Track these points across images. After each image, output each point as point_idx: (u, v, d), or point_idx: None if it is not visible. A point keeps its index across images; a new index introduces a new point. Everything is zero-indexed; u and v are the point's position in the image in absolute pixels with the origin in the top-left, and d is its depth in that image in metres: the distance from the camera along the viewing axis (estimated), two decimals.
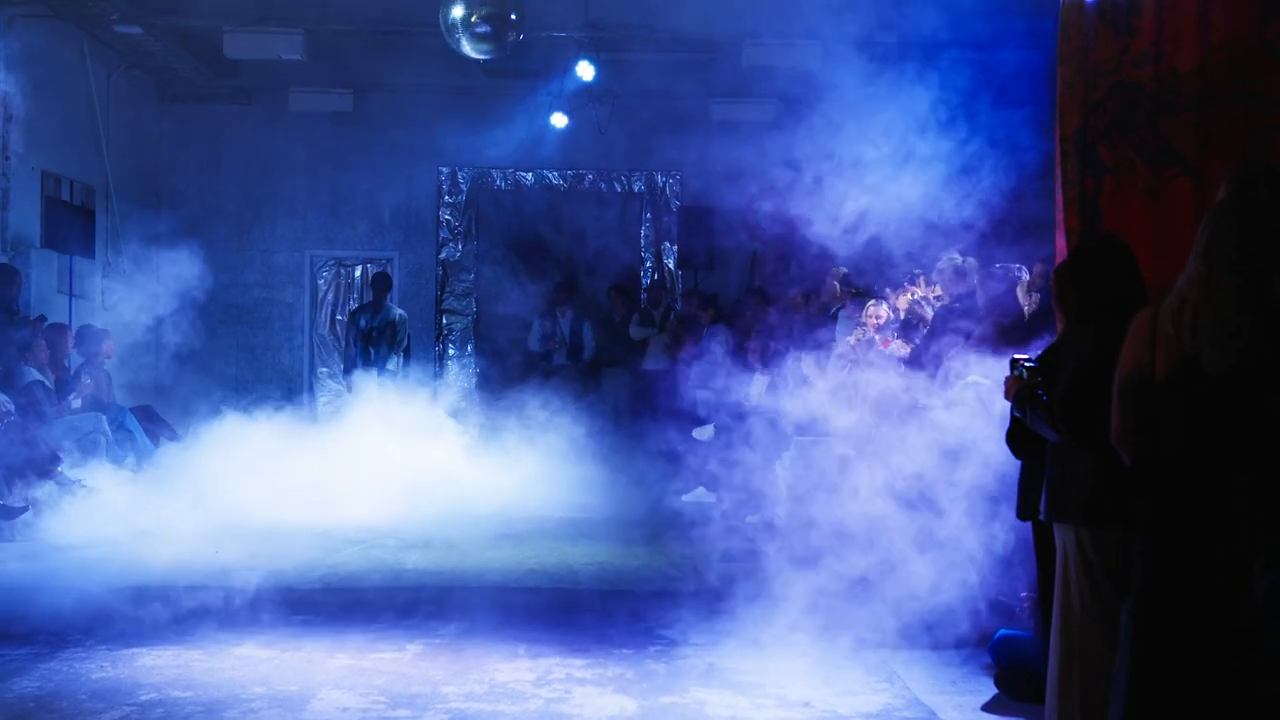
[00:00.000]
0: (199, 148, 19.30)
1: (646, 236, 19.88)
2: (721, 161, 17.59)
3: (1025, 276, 10.84)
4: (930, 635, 7.93)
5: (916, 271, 11.89)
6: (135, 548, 11.04)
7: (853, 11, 13.80)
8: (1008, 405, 5.95)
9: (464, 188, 19.77)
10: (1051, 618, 5.61)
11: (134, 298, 16.01)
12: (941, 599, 7.92)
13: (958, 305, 10.55)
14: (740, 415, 13.15)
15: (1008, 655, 7.08)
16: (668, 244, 19.80)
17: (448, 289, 19.78)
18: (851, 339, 11.37)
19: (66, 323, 14.72)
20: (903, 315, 11.30)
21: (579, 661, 7.62)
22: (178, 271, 15.77)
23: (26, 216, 15.02)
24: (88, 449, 12.46)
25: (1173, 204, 7.55)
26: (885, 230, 11.02)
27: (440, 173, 19.70)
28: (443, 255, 19.77)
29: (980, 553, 7.82)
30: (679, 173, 19.65)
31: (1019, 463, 6.50)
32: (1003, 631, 7.33)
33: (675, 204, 19.71)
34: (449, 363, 19.41)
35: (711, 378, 14.35)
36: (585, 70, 17.21)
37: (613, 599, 9.53)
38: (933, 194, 10.50)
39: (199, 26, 16.28)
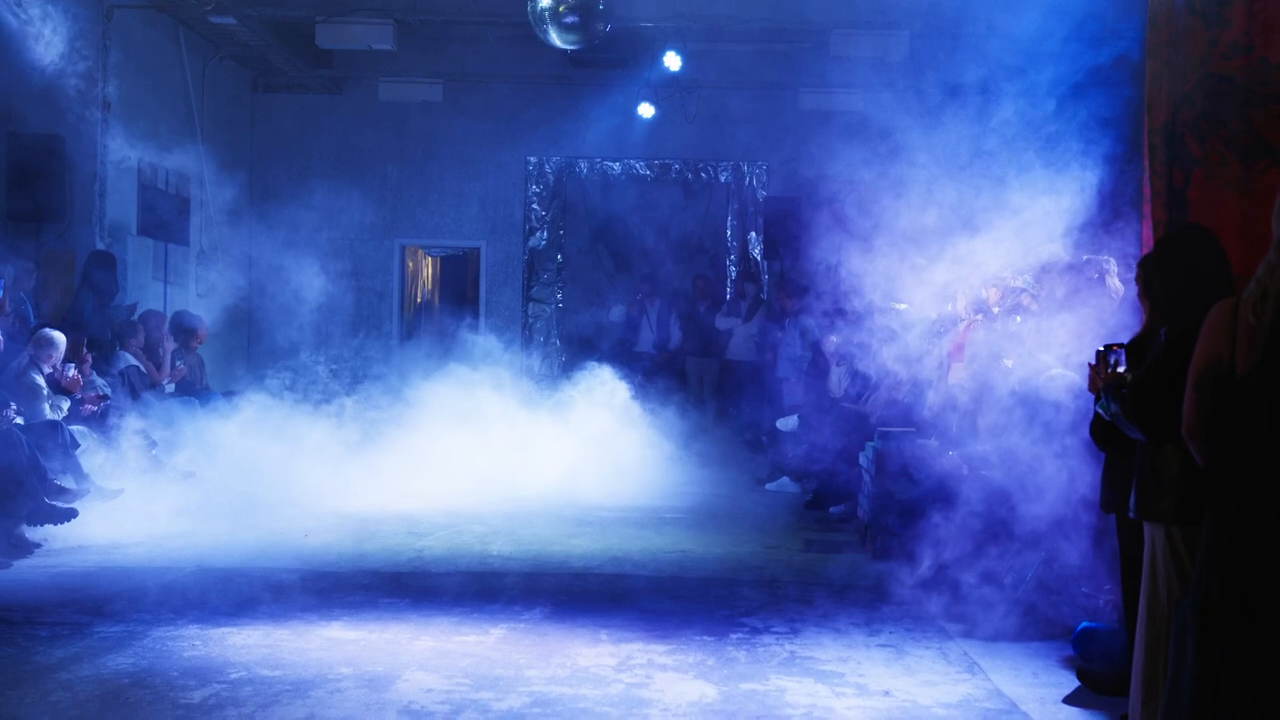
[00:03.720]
0: (291, 137, 19.55)
1: (732, 226, 19.91)
2: (808, 151, 17.55)
3: (1113, 268, 10.75)
4: (1012, 626, 7.92)
5: (1016, 273, 11.79)
6: (225, 530, 11.24)
7: (941, 1, 13.75)
8: (1092, 397, 5.93)
9: (551, 177, 19.88)
10: (1135, 611, 5.60)
11: (226, 285, 16.30)
12: (1023, 590, 7.91)
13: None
14: (825, 405, 13.16)
15: (1090, 648, 7.06)
16: (753, 234, 19.80)
17: (534, 278, 19.91)
18: (964, 322, 11.25)
19: (161, 309, 14.97)
20: (997, 306, 11.21)
21: (660, 647, 7.68)
22: (269, 259, 16.00)
23: (124, 204, 15.29)
24: (181, 433, 12.67)
25: (1263, 197, 7.46)
26: (972, 222, 10.96)
27: (528, 162, 19.82)
28: (529, 244, 19.90)
29: (1063, 545, 7.80)
30: (765, 163, 19.66)
31: (1103, 455, 6.48)
32: (1085, 624, 7.30)
33: (761, 194, 19.71)
34: (534, 351, 19.53)
35: (797, 368, 14.37)
36: (672, 60, 17.25)
37: (695, 586, 9.58)
38: (1022, 185, 10.44)
39: (291, 17, 16.48)
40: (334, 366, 15.39)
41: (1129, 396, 5.42)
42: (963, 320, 10.93)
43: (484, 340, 17.24)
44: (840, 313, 14.26)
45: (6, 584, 9.17)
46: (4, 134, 13.94)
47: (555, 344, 19.81)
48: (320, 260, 16.43)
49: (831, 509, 12.77)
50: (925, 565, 8.82)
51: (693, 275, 18.85)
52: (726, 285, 19.26)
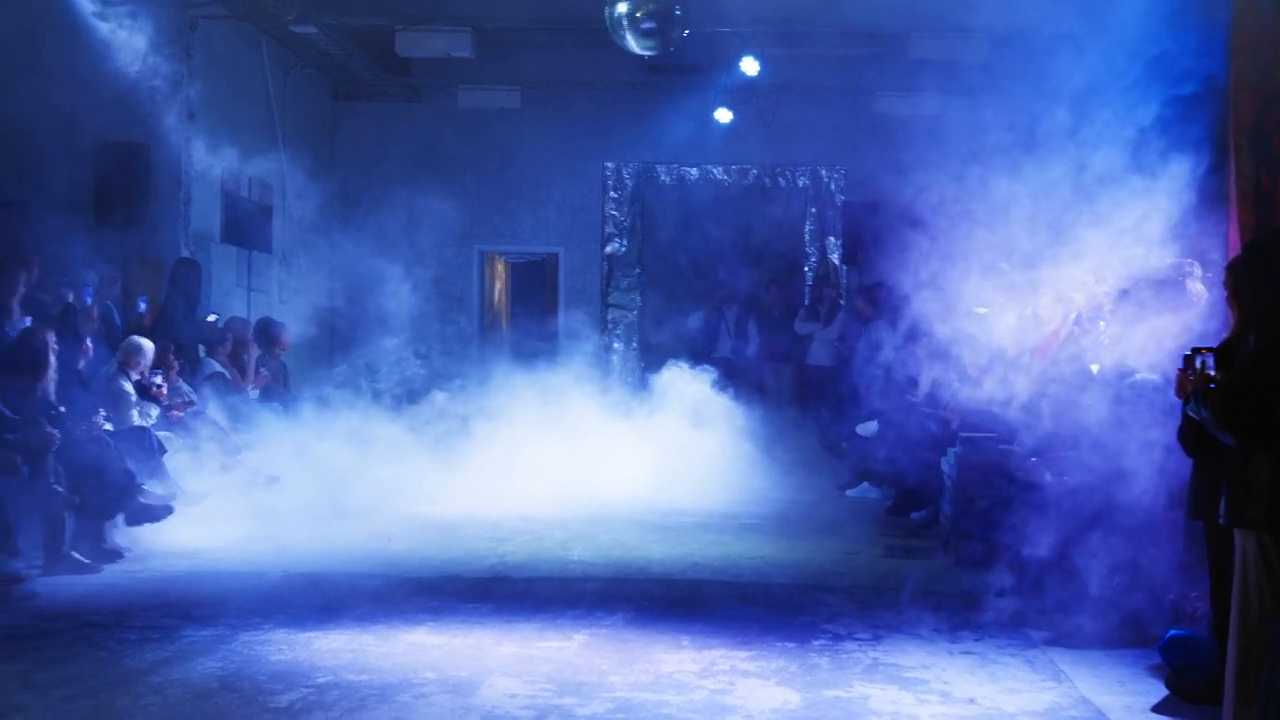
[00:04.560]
0: (371, 144, 19.72)
1: (810, 231, 19.86)
2: (886, 155, 17.48)
3: (1197, 272, 10.63)
4: (1098, 633, 7.85)
5: (1099, 276, 11.67)
6: (309, 535, 11.35)
7: (1020, 2, 13.64)
8: (1178, 401, 5.88)
9: (629, 183, 19.93)
10: (1226, 619, 5.54)
11: (309, 291, 16.45)
12: (1110, 599, 7.84)
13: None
14: (905, 410, 13.09)
15: (1179, 656, 6.97)
16: (831, 238, 19.75)
17: (613, 284, 19.96)
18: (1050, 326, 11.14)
19: (245, 315, 15.13)
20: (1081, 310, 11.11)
21: (743, 654, 7.67)
22: (350, 265, 16.14)
23: (208, 212, 15.48)
24: (265, 438, 12.79)
25: None
26: (1054, 226, 10.88)
27: (605, 168, 19.88)
28: (608, 250, 19.95)
29: (1151, 551, 7.72)
30: (843, 167, 19.61)
31: (1191, 461, 6.41)
32: (1174, 632, 7.22)
33: (839, 198, 19.67)
34: (613, 357, 19.57)
35: (877, 373, 14.29)
36: (750, 65, 17.23)
37: (776, 592, 9.57)
38: (1103, 189, 10.34)
39: (371, 26, 16.62)
40: (415, 372, 15.49)
41: (1218, 402, 5.36)
42: (1047, 324, 10.84)
43: (563, 346, 17.34)
44: (920, 317, 14.18)
45: (97, 588, 9.30)
46: (91, 143, 14.14)
47: (634, 349, 19.84)
48: (401, 266, 16.53)
49: (913, 515, 12.70)
50: (1009, 571, 8.76)
51: (770, 280, 18.82)
52: (805, 290, 19.20)
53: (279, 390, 13.87)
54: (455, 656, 7.54)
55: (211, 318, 14.13)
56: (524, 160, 19.73)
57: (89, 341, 11.27)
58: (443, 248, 19.37)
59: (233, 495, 11.61)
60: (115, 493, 10.22)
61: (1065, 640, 7.90)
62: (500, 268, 21.16)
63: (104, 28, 13.37)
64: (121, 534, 10.51)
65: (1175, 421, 6.34)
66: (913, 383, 13.64)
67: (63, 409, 10.20)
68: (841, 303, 18.22)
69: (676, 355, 16.94)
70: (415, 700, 6.63)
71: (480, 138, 19.66)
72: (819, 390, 17.03)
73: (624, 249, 19.98)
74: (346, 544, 11.12)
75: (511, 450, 14.16)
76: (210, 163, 15.05)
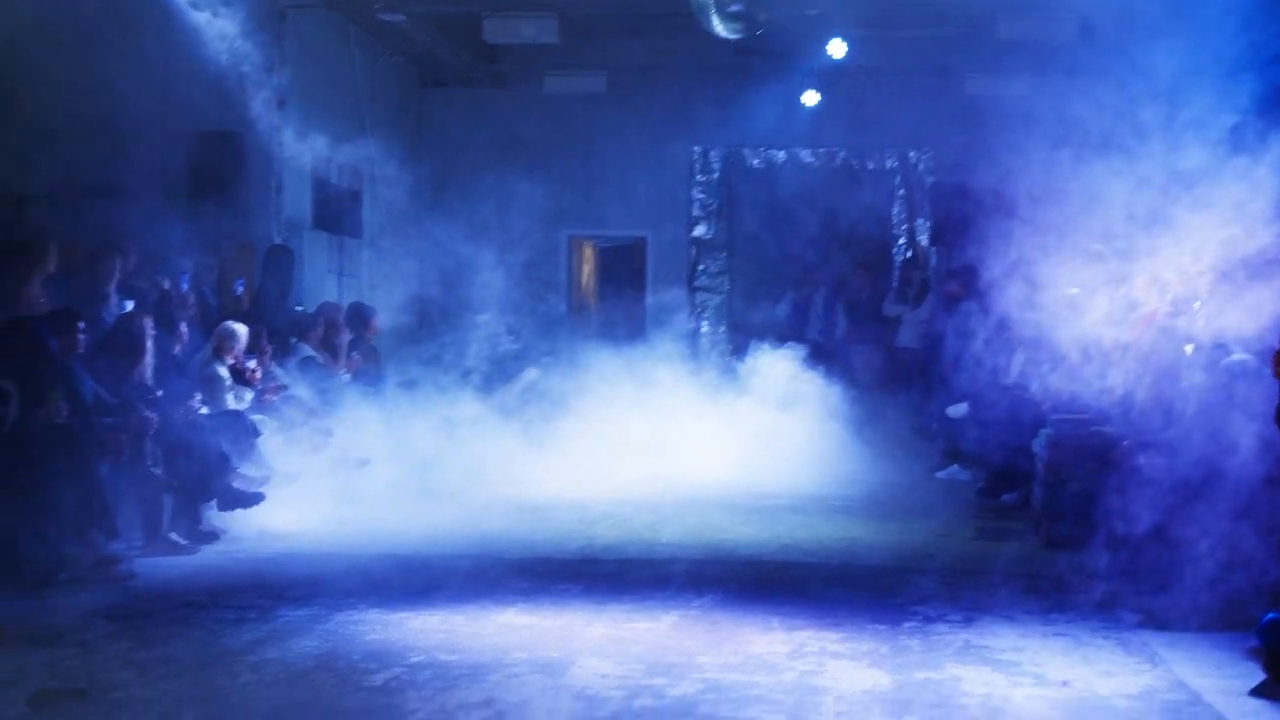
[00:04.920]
0: (458, 131, 19.80)
1: (899, 213, 19.76)
2: (975, 136, 17.32)
3: None
4: (1194, 616, 7.76)
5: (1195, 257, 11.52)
6: (401, 517, 11.48)
7: None
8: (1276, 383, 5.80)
9: (716, 166, 19.91)
10: None
11: (398, 276, 16.60)
12: (1206, 581, 7.75)
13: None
14: (996, 392, 13.00)
15: (1278, 639, 6.88)
16: (920, 220, 19.64)
17: (700, 267, 19.96)
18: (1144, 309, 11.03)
19: (336, 300, 15.28)
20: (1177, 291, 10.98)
21: (833, 635, 7.65)
22: (439, 250, 16.24)
23: (299, 199, 15.64)
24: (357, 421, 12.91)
25: None
26: (1147, 207, 10.75)
27: (692, 152, 19.87)
28: (695, 234, 19.95)
29: (1247, 533, 7.62)
30: (932, 149, 19.48)
31: None
32: (1273, 615, 7.12)
33: (928, 180, 19.55)
34: (701, 340, 19.57)
35: (967, 355, 14.19)
36: (837, 47, 17.15)
37: (866, 574, 9.56)
38: (1197, 170, 10.21)
39: (458, 13, 16.71)
40: (504, 355, 15.58)
41: None
42: (1141, 305, 10.72)
43: (651, 330, 17.38)
44: (1011, 299, 14.07)
45: (194, 569, 9.46)
46: (185, 131, 14.34)
47: (722, 332, 19.82)
48: (489, 251, 16.61)
49: (1004, 497, 12.61)
50: (1101, 553, 8.68)
51: (859, 262, 18.73)
52: (893, 272, 19.10)
53: (370, 374, 13.99)
54: (546, 637, 7.59)
55: (298, 309, 14.31)
56: (610, 145, 19.73)
57: (184, 327, 11.44)
58: (531, 232, 19.39)
59: (325, 478, 11.73)
60: (211, 475, 10.39)
61: (1160, 623, 7.81)
62: (588, 252, 21.21)
63: (197, 17, 13.56)
64: (217, 516, 10.67)
65: (1273, 401, 6.26)
66: (1003, 364, 13.54)
67: (159, 393, 10.37)
68: (930, 285, 18.09)
69: (764, 338, 16.92)
70: (507, 680, 6.67)
71: (566, 123, 19.69)
72: (908, 372, 16.96)
73: (711, 233, 19.96)
74: (437, 525, 11.24)
75: (600, 432, 14.23)
76: (301, 150, 15.20)
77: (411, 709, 6.17)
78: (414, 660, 6.99)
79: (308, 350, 13.28)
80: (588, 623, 7.94)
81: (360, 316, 14.37)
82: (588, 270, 21.23)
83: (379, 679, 6.66)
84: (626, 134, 19.64)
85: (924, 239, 19.57)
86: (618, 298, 19.87)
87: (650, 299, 19.60)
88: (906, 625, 7.92)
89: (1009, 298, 13.67)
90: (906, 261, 19.14)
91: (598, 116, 19.62)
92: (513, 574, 9.31)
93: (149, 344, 10.49)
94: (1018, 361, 13.32)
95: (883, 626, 7.87)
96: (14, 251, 10.53)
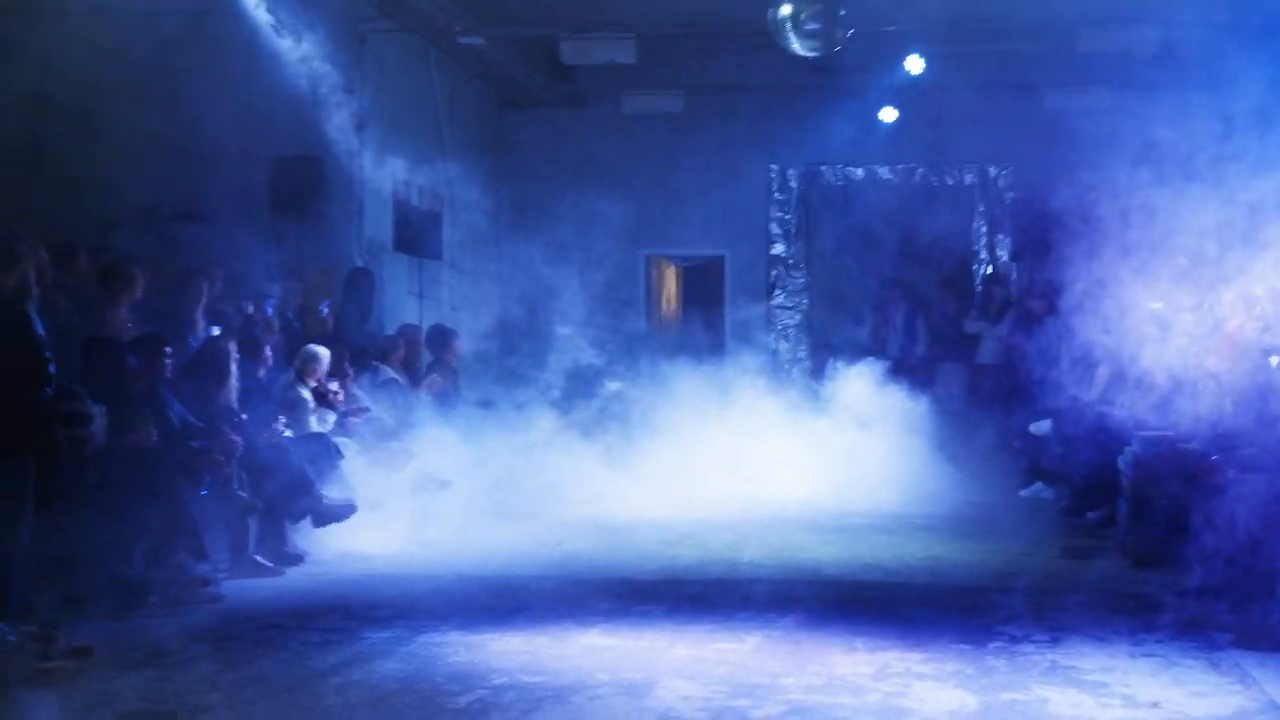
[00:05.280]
0: (536, 152, 19.88)
1: (979, 229, 19.64)
2: (1055, 151, 17.22)
3: None
4: None
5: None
6: (482, 538, 11.53)
7: None
8: None
9: (794, 185, 19.88)
10: None
11: (478, 298, 16.68)
12: None
13: None
14: (1080, 409, 12.88)
15: None
16: (1000, 236, 19.51)
17: (779, 285, 19.92)
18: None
19: (417, 322, 15.38)
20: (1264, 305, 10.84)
21: (917, 656, 7.60)
22: (518, 272, 16.31)
23: (379, 221, 15.76)
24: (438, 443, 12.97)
25: None
26: (1230, 220, 10.63)
27: (770, 170, 19.84)
28: (774, 251, 19.92)
29: None
30: (1011, 164, 19.35)
31: None
32: None
33: (1008, 195, 19.42)
34: (781, 357, 19.52)
35: (1050, 371, 14.08)
36: (915, 63, 17.08)
37: (949, 594, 9.49)
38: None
39: (536, 35, 16.80)
40: (583, 376, 15.60)
41: None
42: (1228, 319, 10.59)
43: (730, 348, 17.35)
44: (1094, 314, 13.93)
45: (279, 591, 9.55)
46: (268, 157, 14.51)
47: (802, 350, 19.77)
48: (568, 272, 16.66)
49: (1089, 514, 12.48)
50: (1190, 571, 8.56)
51: (939, 279, 18.62)
52: (974, 289, 18.97)
53: (451, 395, 14.06)
54: (629, 658, 7.59)
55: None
56: (688, 164, 19.75)
57: (268, 351, 11.55)
58: (609, 252, 19.39)
59: (406, 499, 11.79)
60: (296, 497, 10.48)
61: (1251, 642, 7.70)
62: (667, 271, 21.23)
63: (279, 42, 13.72)
64: (301, 538, 10.77)
65: None
66: (1087, 380, 13.41)
67: (244, 417, 10.48)
68: (1011, 300, 17.95)
69: (845, 355, 16.87)
70: (590, 702, 6.68)
71: (644, 143, 19.73)
72: (990, 389, 16.81)
73: (790, 250, 19.93)
74: (518, 547, 11.28)
75: (680, 452, 14.22)
76: (381, 173, 15.33)
77: None
78: (497, 682, 7.01)
79: (389, 372, 13.38)
80: (671, 644, 7.94)
81: (441, 338, 14.46)
82: (666, 290, 21.25)
83: (463, 701, 6.68)
84: (704, 153, 19.66)
85: (1004, 255, 19.44)
86: (697, 317, 19.85)
87: (729, 318, 19.61)
88: (992, 645, 7.86)
89: (1092, 314, 13.55)
90: (987, 278, 18.99)
91: (675, 136, 19.64)
92: (595, 595, 9.32)
93: (233, 368, 10.60)
94: (1101, 378, 13.20)
95: (968, 647, 7.81)
96: (101, 277, 10.68)
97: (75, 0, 12.88)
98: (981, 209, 19.62)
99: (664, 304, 21.09)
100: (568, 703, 6.67)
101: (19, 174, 13.14)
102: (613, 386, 15.44)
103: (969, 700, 6.71)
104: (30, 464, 7.72)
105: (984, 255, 19.60)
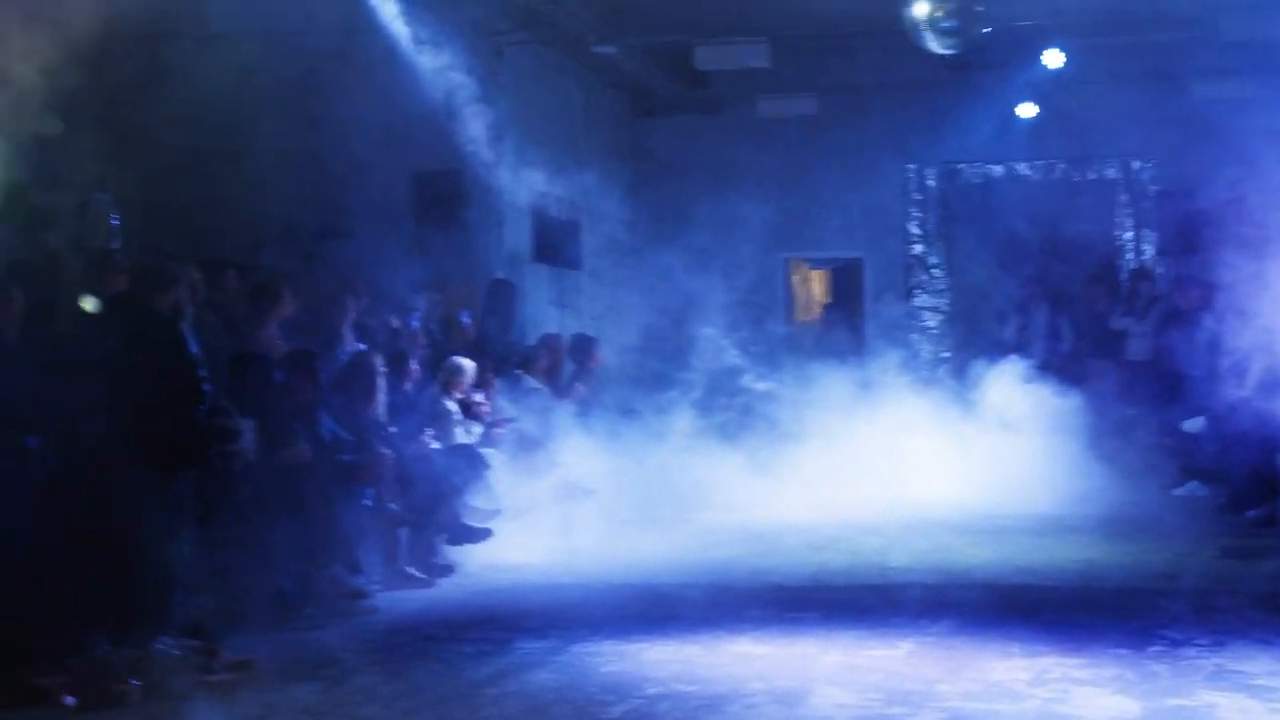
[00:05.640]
0: (671, 159, 19.90)
1: (1122, 224, 19.29)
2: (1201, 143, 16.90)
3: None
4: None
5: None
6: (629, 546, 11.55)
7: None
8: None
9: (931, 184, 19.69)
10: None
11: (618, 306, 16.74)
12: None
13: None
14: (1234, 405, 12.60)
15: None
16: (1145, 230, 19.15)
17: (919, 285, 19.74)
18: None
19: (558, 332, 15.46)
20: None
21: (1075, 661, 7.48)
22: (657, 279, 16.33)
23: (519, 233, 15.89)
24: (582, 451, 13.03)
25: None
26: None
27: (907, 170, 19.67)
28: (913, 252, 19.74)
29: None
30: (1154, 157, 18.99)
31: None
32: None
33: (1151, 189, 19.05)
34: (922, 358, 19.33)
35: (1201, 367, 13.79)
36: (1053, 57, 16.82)
37: (1106, 597, 9.35)
38: None
39: (669, 42, 16.82)
40: (725, 381, 15.59)
41: None
42: None
43: (871, 349, 17.22)
44: (1246, 308, 13.63)
45: (430, 602, 9.64)
46: (409, 171, 14.70)
47: (944, 350, 19.56)
48: (706, 277, 16.64)
49: (1248, 513, 12.20)
50: None
51: (1082, 276, 18.30)
52: (1119, 284, 18.63)
53: (594, 404, 14.12)
54: (780, 666, 7.56)
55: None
56: (824, 166, 19.64)
57: (414, 364, 11.67)
58: (747, 257, 19.35)
59: (552, 508, 11.86)
60: (445, 509, 10.59)
61: None
62: (806, 274, 21.13)
63: (417, 57, 13.89)
64: (451, 549, 10.85)
65: None
66: (1240, 376, 13.12)
67: (393, 430, 10.61)
68: (1158, 296, 17.59)
69: (987, 355, 16.65)
70: (745, 711, 6.66)
71: (779, 146, 19.65)
72: (1139, 386, 16.49)
73: (929, 250, 19.74)
74: (665, 554, 11.29)
75: (824, 455, 14.14)
76: (519, 184, 15.44)
77: None
78: (651, 692, 7.01)
79: (532, 382, 13.45)
80: (822, 651, 7.90)
81: (583, 347, 14.52)
82: (806, 292, 21.15)
83: (617, 711, 6.69)
84: (840, 155, 19.54)
85: (1150, 249, 19.08)
86: (837, 319, 19.77)
87: (869, 319, 19.47)
88: (1152, 649, 7.70)
89: (1244, 308, 13.27)
90: (1133, 274, 18.63)
91: (810, 138, 19.54)
92: (745, 602, 9.30)
93: (380, 381, 10.72)
94: (1255, 372, 12.89)
95: (1127, 651, 7.66)
96: (251, 295, 10.87)
97: (224, 23, 13.16)
98: (1125, 203, 19.28)
99: (804, 307, 20.99)
100: (723, 712, 6.65)
101: (172, 194, 13.43)
102: (755, 391, 15.41)
103: (1131, 706, 6.58)
104: (190, 480, 7.87)
105: (1128, 250, 19.25)
